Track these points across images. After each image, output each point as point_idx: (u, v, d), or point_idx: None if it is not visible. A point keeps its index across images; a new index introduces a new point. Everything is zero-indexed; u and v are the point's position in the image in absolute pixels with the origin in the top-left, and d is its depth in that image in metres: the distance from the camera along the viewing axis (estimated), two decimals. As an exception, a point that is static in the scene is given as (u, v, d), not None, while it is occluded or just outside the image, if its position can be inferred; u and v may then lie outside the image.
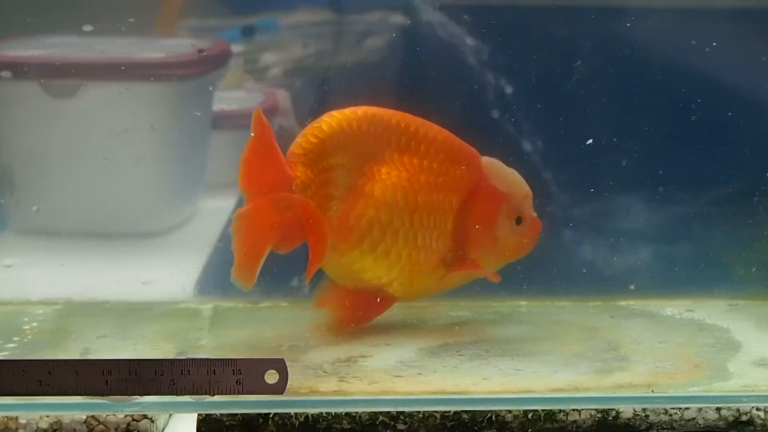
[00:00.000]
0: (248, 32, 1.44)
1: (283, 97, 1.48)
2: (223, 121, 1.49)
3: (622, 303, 1.48)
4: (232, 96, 1.49)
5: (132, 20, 1.40)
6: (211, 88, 1.48)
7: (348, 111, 1.33)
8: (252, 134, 1.28)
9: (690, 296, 1.48)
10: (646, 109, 1.42)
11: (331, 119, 1.32)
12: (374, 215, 1.31)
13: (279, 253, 1.31)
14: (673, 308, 1.45)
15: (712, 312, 1.45)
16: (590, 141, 1.39)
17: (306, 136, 1.32)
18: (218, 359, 1.13)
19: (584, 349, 1.32)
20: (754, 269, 1.47)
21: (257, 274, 1.28)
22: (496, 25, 1.43)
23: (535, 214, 1.36)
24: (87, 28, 1.39)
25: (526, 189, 1.35)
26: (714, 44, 1.41)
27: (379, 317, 1.39)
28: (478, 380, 1.23)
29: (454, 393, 1.21)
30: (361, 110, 1.33)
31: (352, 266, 1.33)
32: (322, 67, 1.45)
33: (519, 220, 1.35)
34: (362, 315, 1.37)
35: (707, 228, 1.47)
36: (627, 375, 1.25)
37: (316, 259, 1.30)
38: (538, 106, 1.44)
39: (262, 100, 1.50)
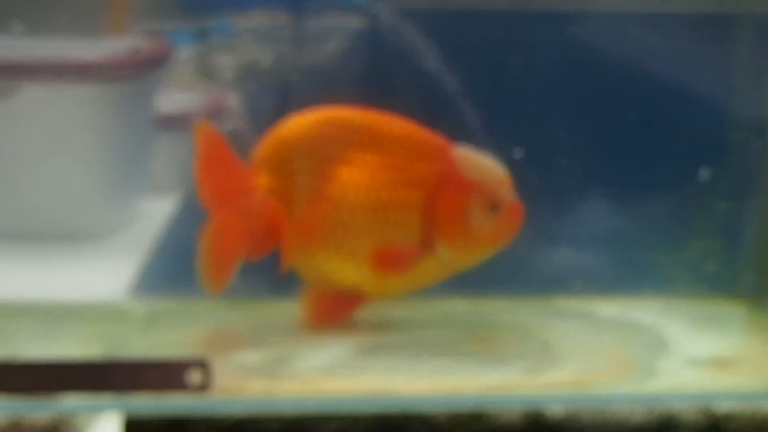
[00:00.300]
0: (201, 34, 1.43)
1: (233, 100, 1.47)
2: (168, 123, 1.48)
3: (558, 302, 1.48)
4: (177, 97, 1.48)
5: (69, 20, 1.38)
6: (153, 90, 1.47)
7: (308, 115, 1.33)
8: (199, 148, 1.29)
9: (627, 296, 1.48)
10: (581, 110, 1.42)
11: (292, 124, 1.33)
12: (336, 216, 1.31)
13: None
14: (609, 308, 1.46)
15: (647, 311, 1.45)
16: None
17: (267, 142, 1.33)
18: (142, 359, 1.12)
19: (517, 348, 1.33)
20: (689, 269, 1.47)
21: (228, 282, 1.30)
22: (451, 29, 1.42)
23: (514, 199, 1.33)
24: (20, 27, 1.38)
25: (501, 175, 1.33)
26: (642, 45, 1.41)
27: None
28: (409, 380, 1.23)
29: (385, 392, 1.21)
30: (321, 113, 1.33)
31: (321, 268, 1.34)
32: (276, 69, 1.44)
33: (495, 208, 1.32)
34: (336, 314, 1.37)
35: (643, 228, 1.47)
36: (558, 374, 1.25)
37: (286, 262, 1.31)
38: (488, 106, 1.43)
39: (208, 102, 1.49)
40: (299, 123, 1.33)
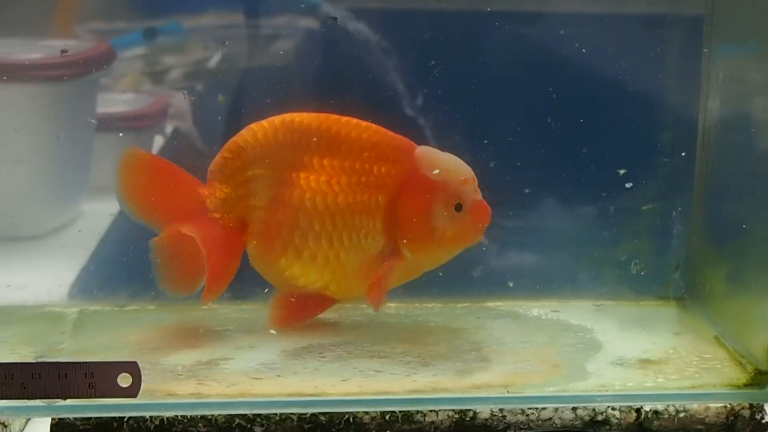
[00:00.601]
0: (150, 35, 1.43)
1: (180, 101, 1.46)
2: (112, 124, 1.48)
3: (490, 304, 1.49)
4: (122, 98, 1.48)
5: (12, 21, 1.38)
6: (93, 90, 1.46)
7: (265, 121, 1.33)
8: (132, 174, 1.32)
9: (557, 297, 1.49)
10: (512, 111, 1.42)
11: (247, 132, 1.33)
12: (293, 222, 1.32)
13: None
14: (539, 309, 1.46)
15: (577, 312, 1.46)
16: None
17: (222, 152, 1.34)
18: (70, 362, 1.12)
19: (446, 350, 1.33)
20: (619, 270, 1.48)
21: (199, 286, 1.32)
22: (399, 29, 1.42)
23: (479, 198, 1.32)
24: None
25: (464, 174, 1.32)
26: (569, 47, 1.42)
27: (243, 321, 1.41)
28: (336, 382, 1.24)
29: (311, 395, 1.21)
30: (278, 119, 1.33)
31: (283, 274, 1.34)
32: (226, 69, 1.44)
33: (459, 207, 1.31)
34: (302, 316, 1.38)
35: (575, 229, 1.48)
36: (486, 375, 1.26)
37: (209, 291, 1.33)
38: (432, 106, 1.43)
39: (151, 103, 1.49)
40: (254, 130, 1.33)
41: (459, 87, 1.42)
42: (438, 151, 1.33)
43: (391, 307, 1.47)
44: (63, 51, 1.38)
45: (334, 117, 1.33)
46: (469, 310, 1.47)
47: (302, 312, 1.37)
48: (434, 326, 1.42)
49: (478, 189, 1.31)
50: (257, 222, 1.33)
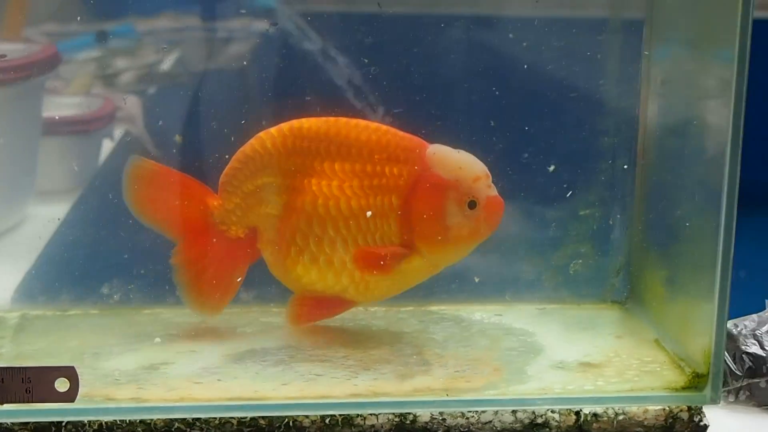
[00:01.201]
0: (102, 38, 1.42)
1: (132, 104, 1.46)
2: (59, 127, 1.47)
3: (434, 308, 1.49)
4: (69, 101, 1.47)
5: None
6: (38, 94, 1.46)
7: (274, 129, 1.33)
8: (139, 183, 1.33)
9: (500, 301, 1.49)
10: (456, 115, 1.43)
11: (256, 140, 1.33)
12: (307, 228, 1.32)
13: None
14: (482, 313, 1.47)
15: (520, 316, 1.46)
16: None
17: (231, 162, 1.34)
18: (6, 367, 1.12)
19: (388, 353, 1.33)
20: (562, 274, 1.49)
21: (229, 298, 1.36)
22: (356, 31, 1.43)
23: (493, 194, 1.31)
24: None
25: (476, 171, 1.31)
26: (512, 52, 1.43)
27: (187, 325, 1.41)
28: (277, 386, 1.24)
29: (251, 399, 1.21)
30: (287, 125, 1.33)
31: (301, 280, 1.34)
32: (179, 72, 1.44)
33: (472, 205, 1.31)
34: (320, 315, 1.39)
35: (517, 234, 1.49)
36: (426, 379, 1.26)
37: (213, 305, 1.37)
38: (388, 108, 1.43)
39: (99, 107, 1.48)
40: (262, 139, 1.33)
41: (399, 91, 1.41)
42: (450, 149, 1.32)
43: (335, 310, 1.47)
44: (1, 56, 1.37)
45: (343, 120, 1.33)
46: (413, 314, 1.47)
47: (320, 312, 1.38)
48: (377, 330, 1.42)
49: (492, 184, 1.31)
50: (271, 230, 1.33)
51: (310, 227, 1.32)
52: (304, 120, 1.33)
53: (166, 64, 1.44)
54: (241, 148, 1.33)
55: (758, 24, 1.18)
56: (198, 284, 1.36)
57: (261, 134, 1.33)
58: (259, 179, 1.33)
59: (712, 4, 1.23)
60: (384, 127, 1.33)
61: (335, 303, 1.37)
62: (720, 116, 1.19)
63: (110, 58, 1.44)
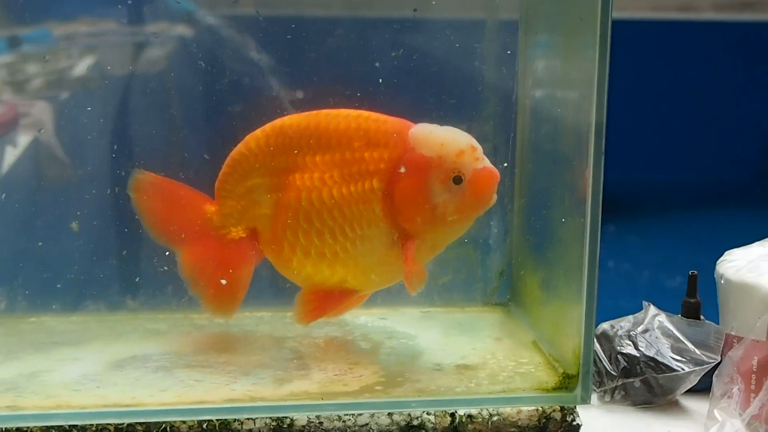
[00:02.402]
0: (14, 43, 1.42)
1: (41, 109, 1.46)
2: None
3: (319, 313, 1.49)
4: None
5: None
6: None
7: (259, 130, 1.34)
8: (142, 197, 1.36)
9: (387, 305, 1.51)
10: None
11: (243, 144, 1.34)
12: (295, 223, 1.32)
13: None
14: (366, 317, 1.49)
15: (404, 320, 1.48)
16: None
17: (223, 168, 1.35)
18: None
19: (269, 358, 1.35)
20: (447, 277, 1.51)
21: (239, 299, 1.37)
22: (272, 34, 1.43)
23: (481, 166, 1.27)
24: None
25: (460, 145, 1.27)
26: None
27: (70, 333, 1.41)
28: (155, 392, 1.25)
29: (128, 405, 1.22)
30: (270, 126, 1.33)
31: (300, 275, 1.34)
32: (95, 77, 1.44)
33: (458, 180, 1.27)
34: (327, 310, 1.38)
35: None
36: (304, 383, 1.28)
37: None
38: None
39: (3, 113, 1.48)
40: (248, 141, 1.34)
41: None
42: (435, 126, 1.30)
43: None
44: None
45: (324, 113, 1.32)
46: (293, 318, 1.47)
47: (326, 306, 1.37)
48: (260, 335, 1.43)
49: (482, 156, 1.27)
50: (266, 229, 1.34)
51: (298, 221, 1.32)
52: (286, 118, 1.33)
53: (81, 69, 1.44)
54: (231, 153, 1.34)
55: (626, 25, 1.20)
56: (208, 289, 1.37)
57: (248, 137, 1.34)
58: (250, 180, 1.34)
59: (578, 7, 1.25)
60: (366, 113, 1.31)
61: (340, 295, 1.35)
62: (585, 119, 1.21)
63: (22, 63, 1.44)
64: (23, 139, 1.47)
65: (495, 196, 1.28)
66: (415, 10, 1.44)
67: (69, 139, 1.45)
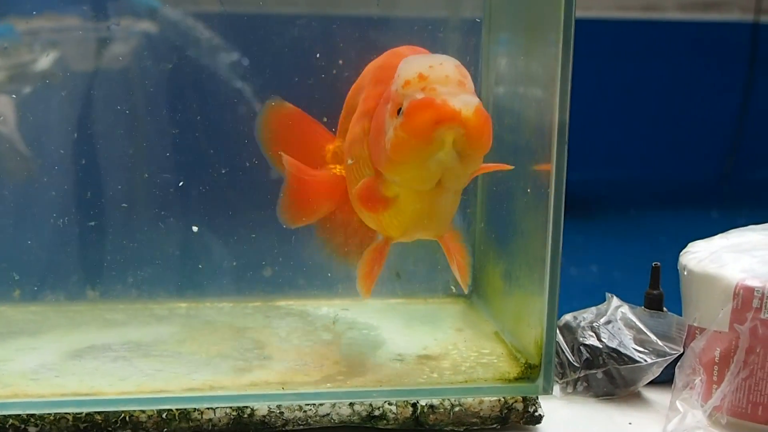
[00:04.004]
0: None
1: (2, 104, 1.45)
2: None
3: (281, 303, 1.50)
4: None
5: None
6: None
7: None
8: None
9: (350, 296, 1.50)
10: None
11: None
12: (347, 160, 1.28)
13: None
14: (329, 308, 1.48)
15: (366, 311, 1.48)
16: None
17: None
18: None
19: (229, 348, 1.34)
20: (410, 269, 1.51)
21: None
22: (242, 31, 1.43)
23: (421, 96, 1.09)
24: None
25: (409, 74, 1.11)
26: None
27: (29, 323, 1.41)
28: (114, 381, 1.24)
29: (87, 394, 1.21)
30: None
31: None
32: (55, 72, 1.43)
33: (399, 111, 1.11)
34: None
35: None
36: (264, 373, 1.27)
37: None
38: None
39: None
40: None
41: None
42: (413, 56, 1.15)
43: (182, 307, 1.47)
44: None
45: (393, 51, 1.25)
46: (259, 309, 1.48)
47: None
48: (221, 325, 1.42)
49: (437, 87, 1.10)
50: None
51: (346, 159, 1.28)
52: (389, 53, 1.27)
53: (43, 64, 1.43)
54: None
55: (590, 24, 1.21)
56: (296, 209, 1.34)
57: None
58: (347, 122, 1.30)
59: (540, 4, 1.26)
60: (410, 50, 1.24)
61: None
62: (547, 113, 1.22)
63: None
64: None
65: (449, 135, 1.08)
66: (377, 4, 1.44)
67: (31, 133, 1.43)
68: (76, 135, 1.44)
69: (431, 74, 1.10)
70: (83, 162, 1.43)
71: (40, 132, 1.43)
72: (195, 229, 1.45)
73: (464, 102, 1.08)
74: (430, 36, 1.47)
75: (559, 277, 1.24)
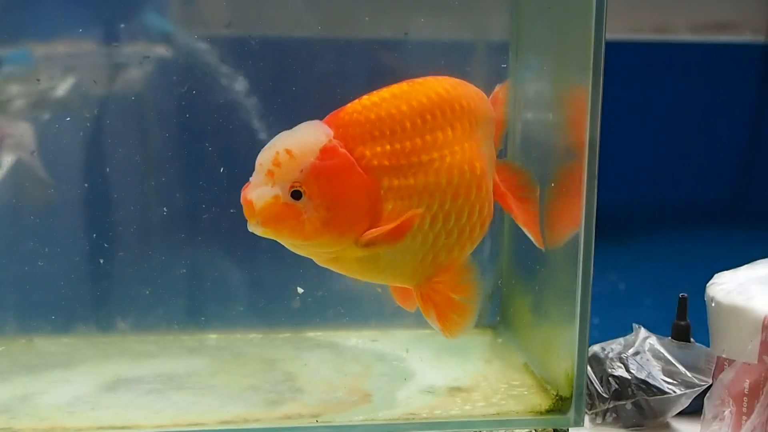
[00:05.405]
0: None
1: (24, 130, 1.46)
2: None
3: (310, 334, 1.51)
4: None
5: None
6: None
7: None
8: None
9: (378, 327, 1.51)
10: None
11: None
12: None
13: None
14: (357, 339, 1.49)
15: (394, 342, 1.49)
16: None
17: None
18: None
19: (261, 381, 1.35)
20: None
21: None
22: (254, 56, 1.44)
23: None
24: None
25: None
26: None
27: (61, 355, 1.43)
28: (149, 414, 1.25)
29: (123, 428, 1.22)
30: None
31: None
32: (75, 98, 1.44)
33: None
34: None
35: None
36: (297, 405, 1.28)
37: None
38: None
39: None
40: None
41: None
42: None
43: (211, 338, 1.48)
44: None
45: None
46: (289, 341, 1.49)
47: None
48: (251, 357, 1.43)
49: (254, 174, 1.13)
50: None
51: None
52: None
53: (62, 89, 1.44)
54: None
55: (613, 47, 1.22)
56: None
57: None
58: None
59: (570, 28, 1.27)
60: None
61: None
62: (577, 140, 1.22)
63: (3, 83, 1.44)
64: (8, 160, 1.47)
65: (251, 220, 1.12)
66: (406, 33, 1.45)
67: (53, 160, 1.44)
68: (105, 165, 1.44)
69: (258, 159, 1.13)
70: (114, 195, 1.44)
71: (65, 160, 1.44)
72: (300, 290, 1.45)
73: (257, 195, 1.11)
74: (456, 59, 1.47)
75: (590, 309, 1.24)
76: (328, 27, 1.50)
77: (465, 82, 1.24)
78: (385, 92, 1.18)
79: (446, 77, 1.22)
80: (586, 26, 1.20)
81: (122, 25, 1.44)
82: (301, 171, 1.11)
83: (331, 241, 1.14)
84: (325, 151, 1.13)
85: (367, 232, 1.15)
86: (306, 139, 1.13)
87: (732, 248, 1.52)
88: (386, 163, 1.15)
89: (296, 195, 1.11)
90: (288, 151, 1.12)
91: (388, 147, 1.16)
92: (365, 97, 1.18)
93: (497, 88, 1.30)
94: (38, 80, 1.43)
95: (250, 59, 1.45)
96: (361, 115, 1.16)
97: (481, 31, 1.52)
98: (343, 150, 1.14)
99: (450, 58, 1.49)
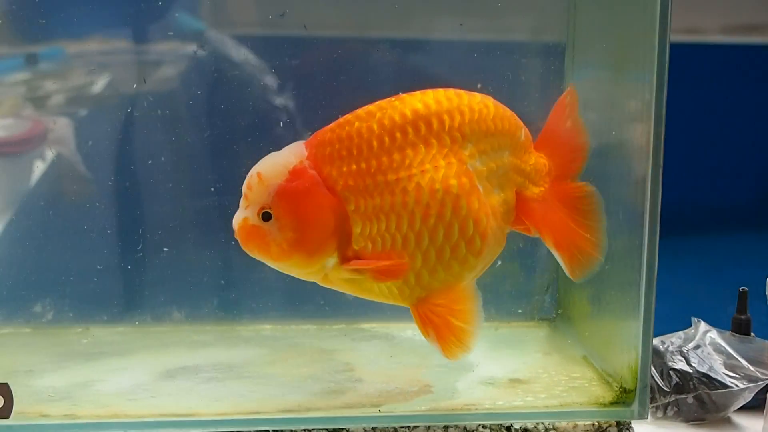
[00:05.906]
0: (32, 60, 1.42)
1: (63, 126, 1.46)
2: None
3: (365, 326, 1.50)
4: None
5: None
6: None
7: None
8: None
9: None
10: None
11: None
12: None
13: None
14: (413, 331, 1.48)
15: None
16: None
17: None
18: (-59, 384, 1.11)
19: (319, 370, 1.34)
20: (491, 293, 1.50)
21: None
22: (284, 53, 1.44)
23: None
24: None
25: None
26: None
27: (117, 344, 1.43)
28: (210, 402, 1.25)
29: (185, 415, 1.21)
30: None
31: None
32: (110, 95, 1.44)
33: None
34: None
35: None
36: (357, 395, 1.27)
37: None
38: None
39: (28, 128, 1.48)
40: None
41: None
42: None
43: (266, 329, 1.48)
44: None
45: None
46: (344, 332, 1.48)
47: None
48: (308, 347, 1.42)
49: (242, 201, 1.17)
50: None
51: None
52: None
53: (97, 86, 1.44)
54: None
55: (674, 47, 1.21)
56: None
57: None
58: None
59: (630, 29, 1.26)
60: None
61: None
62: (641, 137, 1.22)
63: (40, 80, 1.44)
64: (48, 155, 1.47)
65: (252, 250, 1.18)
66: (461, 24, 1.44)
67: (104, 153, 1.45)
68: (158, 156, 1.44)
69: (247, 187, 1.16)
70: (169, 185, 1.44)
71: (117, 153, 1.44)
72: None
73: (235, 217, 1.16)
74: (511, 60, 1.47)
75: (654, 301, 1.23)
76: (381, 27, 1.50)
77: (468, 93, 1.21)
78: (362, 111, 1.18)
79: (445, 89, 1.21)
80: (649, 25, 1.19)
81: (155, 24, 1.43)
82: (269, 194, 1.15)
83: (301, 262, 1.17)
84: (294, 173, 1.15)
85: (353, 262, 1.17)
86: (278, 161, 1.17)
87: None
88: (351, 183, 1.16)
89: (266, 216, 1.15)
90: (258, 175, 1.15)
91: (354, 167, 1.16)
92: (345, 116, 1.18)
93: (565, 93, 1.29)
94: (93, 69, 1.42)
95: (287, 57, 1.44)
96: (334, 134, 1.17)
97: (536, 32, 1.51)
98: (311, 171, 1.16)
99: (504, 59, 1.48)
